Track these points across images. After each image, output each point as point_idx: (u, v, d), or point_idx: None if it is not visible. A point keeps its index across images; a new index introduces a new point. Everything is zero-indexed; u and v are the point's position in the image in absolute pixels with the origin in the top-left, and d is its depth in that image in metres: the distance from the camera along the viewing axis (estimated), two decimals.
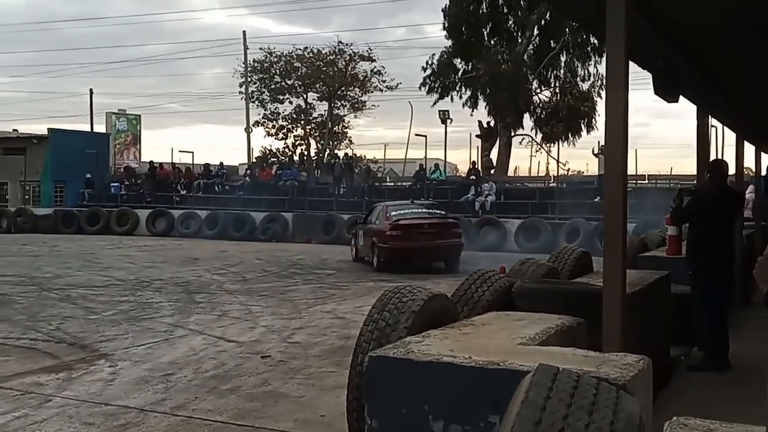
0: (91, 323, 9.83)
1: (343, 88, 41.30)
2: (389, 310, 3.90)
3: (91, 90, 48.53)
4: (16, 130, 41.56)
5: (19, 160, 35.25)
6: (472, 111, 35.46)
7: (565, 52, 34.46)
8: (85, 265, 17.42)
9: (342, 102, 42.41)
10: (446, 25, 33.87)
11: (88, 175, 33.85)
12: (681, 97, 7.84)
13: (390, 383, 3.11)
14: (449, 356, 3.05)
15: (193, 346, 8.36)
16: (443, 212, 18.46)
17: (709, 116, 9.62)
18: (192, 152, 37.38)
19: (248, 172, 33.24)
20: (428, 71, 35.10)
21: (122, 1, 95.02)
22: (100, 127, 43.96)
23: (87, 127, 46.01)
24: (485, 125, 35.45)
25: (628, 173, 4.72)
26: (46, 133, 36.65)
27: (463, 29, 33.71)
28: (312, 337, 9.01)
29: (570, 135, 34.70)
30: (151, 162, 35.42)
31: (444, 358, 3.04)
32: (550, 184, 28.87)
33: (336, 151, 39.88)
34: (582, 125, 34.57)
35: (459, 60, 34.78)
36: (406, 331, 3.74)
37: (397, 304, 3.93)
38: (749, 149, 12.80)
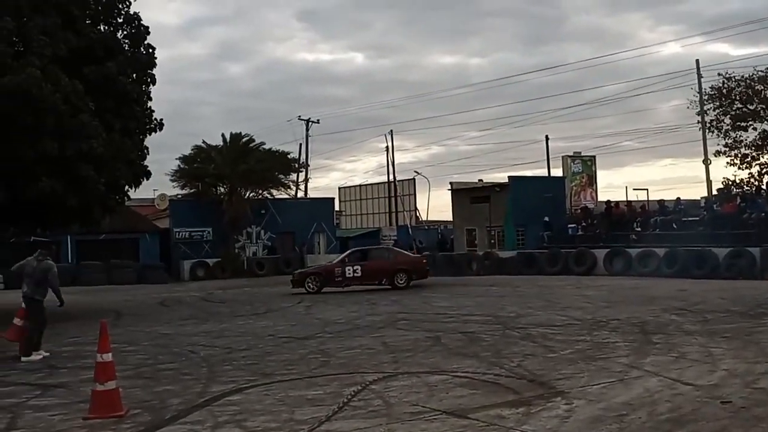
0: (550, 361, 10.23)
1: None
2: None
3: (546, 136, 51.15)
4: (481, 180, 45.43)
5: (484, 207, 38.56)
6: None
7: None
8: (545, 305, 18.14)
9: None
10: None
11: (546, 218, 35.46)
12: None
13: None
14: None
15: (648, 388, 8.21)
16: None
17: None
18: (647, 189, 36.91)
19: (705, 205, 31.51)
20: None
21: (580, 47, 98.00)
22: (556, 171, 45.77)
23: (544, 172, 48.30)
24: None
25: None
26: (506, 180, 39.24)
27: None
28: None
29: None
30: (607, 202, 35.71)
31: None
32: None
33: None
34: None
35: None
36: None
37: None
38: None
